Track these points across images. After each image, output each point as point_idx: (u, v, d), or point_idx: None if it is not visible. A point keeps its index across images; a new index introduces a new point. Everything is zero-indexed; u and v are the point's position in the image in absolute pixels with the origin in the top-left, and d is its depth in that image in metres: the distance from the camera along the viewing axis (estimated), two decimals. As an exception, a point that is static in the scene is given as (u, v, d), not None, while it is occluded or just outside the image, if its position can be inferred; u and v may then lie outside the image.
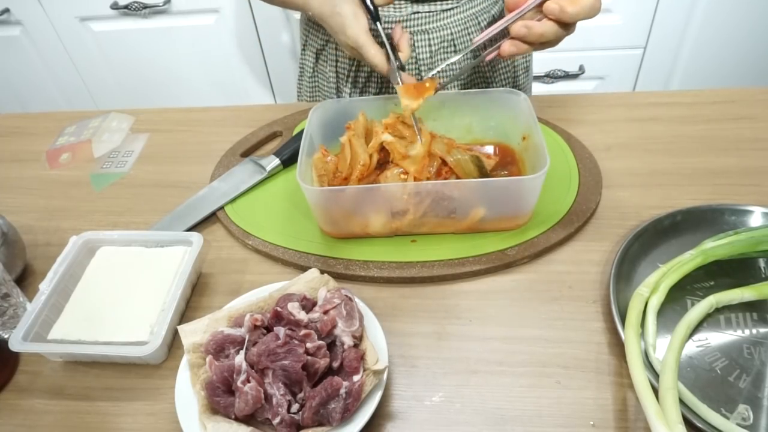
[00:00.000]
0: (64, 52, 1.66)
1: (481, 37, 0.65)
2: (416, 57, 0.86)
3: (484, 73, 0.90)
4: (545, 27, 0.61)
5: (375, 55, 0.68)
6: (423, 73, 0.87)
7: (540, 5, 0.61)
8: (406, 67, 0.87)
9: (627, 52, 1.57)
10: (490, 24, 0.86)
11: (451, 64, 0.65)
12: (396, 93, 0.68)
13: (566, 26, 0.61)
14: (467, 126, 0.77)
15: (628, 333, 0.53)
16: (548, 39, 0.61)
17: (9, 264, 0.67)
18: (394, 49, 0.69)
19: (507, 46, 0.63)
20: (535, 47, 0.63)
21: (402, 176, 0.65)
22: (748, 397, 0.51)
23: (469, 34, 0.86)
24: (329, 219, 0.67)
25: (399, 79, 0.67)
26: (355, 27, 0.69)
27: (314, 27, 0.92)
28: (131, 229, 0.73)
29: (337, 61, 0.91)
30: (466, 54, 0.64)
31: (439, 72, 0.66)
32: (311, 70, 0.96)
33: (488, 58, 0.65)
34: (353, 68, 0.90)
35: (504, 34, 0.64)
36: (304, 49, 0.97)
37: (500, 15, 0.90)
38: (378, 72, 0.69)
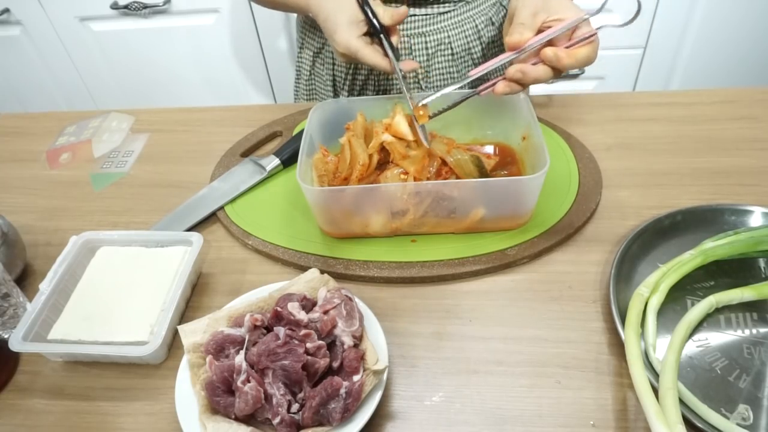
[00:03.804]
0: (64, 52, 1.66)
1: (477, 71, 0.65)
2: (413, 59, 0.86)
3: (482, 75, 0.90)
4: (539, 72, 0.62)
5: (371, 56, 0.67)
6: (420, 76, 0.87)
7: (538, 50, 0.62)
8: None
9: (627, 52, 1.57)
10: (499, 48, 0.87)
11: (447, 92, 0.67)
12: (395, 92, 0.67)
13: (558, 71, 0.63)
14: (467, 126, 0.77)
15: (628, 333, 0.53)
16: (540, 82, 0.63)
17: (9, 264, 0.67)
18: (396, 52, 0.68)
19: (501, 87, 0.64)
20: (521, 89, 0.65)
21: (402, 176, 0.65)
22: (748, 397, 0.51)
23: (465, 36, 0.86)
24: (329, 219, 0.67)
25: (404, 88, 0.67)
26: (344, 33, 0.68)
27: (311, 29, 0.92)
28: (131, 229, 0.73)
29: (334, 63, 0.91)
30: (463, 85, 0.66)
31: (433, 99, 0.68)
32: (308, 73, 0.96)
33: (482, 93, 0.66)
34: (351, 70, 0.90)
35: (501, 68, 0.65)
36: (300, 51, 0.97)
37: (498, 20, 0.90)
38: (382, 71, 0.69)
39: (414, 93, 0.68)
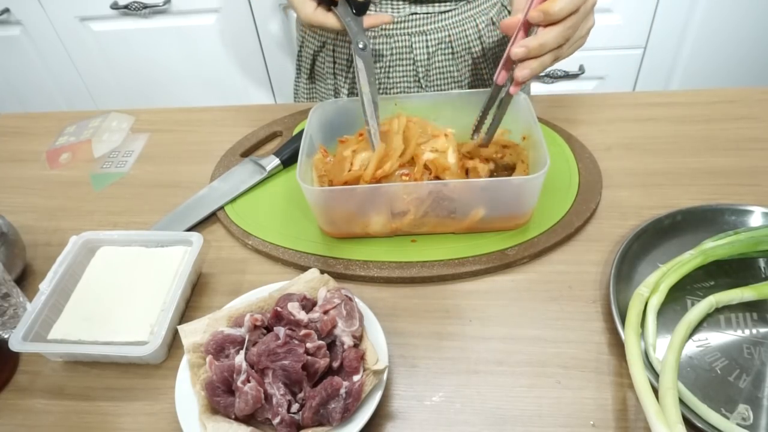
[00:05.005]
0: (64, 52, 1.66)
1: (499, 76, 0.64)
2: (413, 59, 0.86)
3: (482, 75, 0.90)
4: (541, 38, 0.59)
5: (332, 23, 0.69)
6: (420, 74, 0.87)
7: (528, 26, 0.60)
8: (408, 69, 0.87)
9: (627, 52, 1.57)
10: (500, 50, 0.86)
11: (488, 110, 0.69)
12: (395, 92, 0.66)
13: (565, 29, 0.59)
14: (468, 126, 0.77)
15: (628, 333, 0.53)
16: (551, 47, 0.60)
17: (9, 264, 0.67)
18: (359, 13, 0.68)
19: (518, 71, 0.61)
20: (547, 61, 0.61)
21: (403, 177, 0.65)
22: (748, 397, 0.51)
23: (466, 36, 0.86)
24: (329, 219, 0.67)
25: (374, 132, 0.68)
26: (304, 8, 0.69)
27: (310, 27, 0.92)
28: (131, 229, 0.73)
29: (334, 62, 0.91)
30: (498, 97, 0.67)
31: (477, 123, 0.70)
32: (308, 72, 0.96)
33: (512, 91, 0.64)
34: (351, 68, 0.90)
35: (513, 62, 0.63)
36: (300, 50, 0.97)
37: (500, 20, 0.90)
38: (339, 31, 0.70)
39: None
